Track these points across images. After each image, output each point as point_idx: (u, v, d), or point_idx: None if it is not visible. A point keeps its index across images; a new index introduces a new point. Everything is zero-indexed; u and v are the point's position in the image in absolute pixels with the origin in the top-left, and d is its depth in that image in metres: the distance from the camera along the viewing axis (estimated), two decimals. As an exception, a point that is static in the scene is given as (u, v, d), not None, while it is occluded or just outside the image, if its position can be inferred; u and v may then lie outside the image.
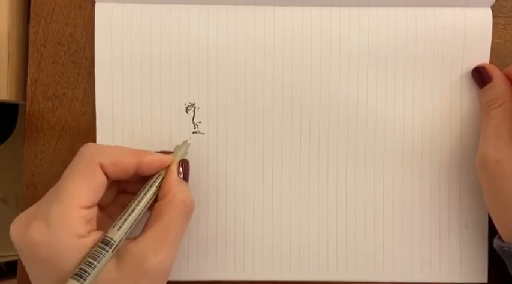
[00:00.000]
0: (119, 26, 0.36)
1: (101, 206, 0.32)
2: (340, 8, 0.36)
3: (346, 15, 0.36)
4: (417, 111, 0.37)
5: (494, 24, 0.36)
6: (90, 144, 0.31)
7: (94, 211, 0.29)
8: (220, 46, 0.36)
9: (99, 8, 0.36)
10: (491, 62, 0.36)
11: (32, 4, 0.37)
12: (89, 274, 0.27)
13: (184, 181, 0.32)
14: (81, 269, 0.27)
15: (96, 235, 0.28)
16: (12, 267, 0.56)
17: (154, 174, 0.31)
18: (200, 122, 0.36)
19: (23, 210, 0.37)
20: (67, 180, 0.29)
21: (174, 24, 0.36)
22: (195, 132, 0.36)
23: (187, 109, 0.36)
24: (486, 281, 0.37)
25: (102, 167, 0.29)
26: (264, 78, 0.36)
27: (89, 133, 0.37)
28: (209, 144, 0.36)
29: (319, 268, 0.37)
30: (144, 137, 0.36)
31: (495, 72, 0.35)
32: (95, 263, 0.27)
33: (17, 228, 0.28)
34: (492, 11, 0.36)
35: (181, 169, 0.32)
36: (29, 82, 0.37)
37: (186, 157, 0.33)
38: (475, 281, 0.37)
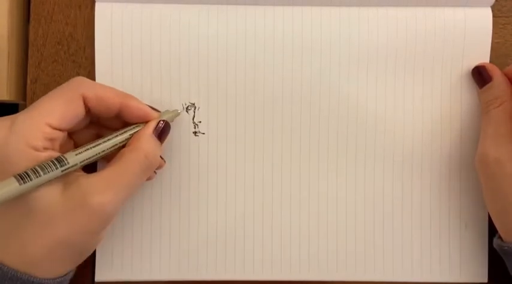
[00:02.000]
0: (119, 26, 0.36)
1: (77, 143, 0.33)
2: (340, 8, 0.36)
3: (346, 15, 0.36)
4: (417, 110, 0.37)
5: (494, 24, 0.36)
6: (81, 77, 0.32)
7: (59, 134, 0.29)
8: (220, 46, 0.36)
9: (99, 8, 0.36)
10: (491, 61, 0.36)
11: (32, 4, 0.37)
12: (31, 180, 0.27)
13: (156, 139, 0.32)
14: (25, 172, 0.27)
15: (53, 153, 0.29)
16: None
17: (134, 124, 0.32)
18: (200, 122, 0.36)
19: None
20: (45, 98, 0.30)
21: (174, 24, 0.36)
22: (195, 132, 0.36)
23: (187, 109, 0.36)
24: (486, 281, 0.37)
25: (84, 99, 0.30)
26: (264, 78, 0.36)
27: (89, 133, 0.37)
28: (209, 144, 0.36)
29: (319, 268, 0.37)
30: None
31: (495, 72, 0.35)
32: (41, 173, 0.27)
33: None
34: (492, 10, 0.36)
35: (160, 127, 0.32)
36: (29, 82, 0.37)
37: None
38: (475, 281, 0.37)
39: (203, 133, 0.36)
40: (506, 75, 0.35)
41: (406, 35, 0.36)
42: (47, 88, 0.37)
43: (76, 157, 0.29)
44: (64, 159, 0.28)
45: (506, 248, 0.33)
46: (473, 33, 0.36)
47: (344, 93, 0.36)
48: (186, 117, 0.36)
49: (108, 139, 0.31)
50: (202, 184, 0.36)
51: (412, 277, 0.37)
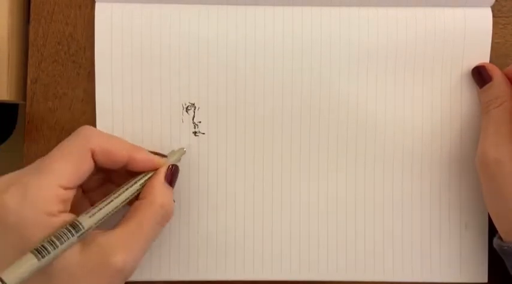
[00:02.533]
0: (119, 26, 0.36)
1: (85, 190, 0.32)
2: (340, 8, 0.36)
3: (346, 15, 0.36)
4: (417, 110, 0.37)
5: (494, 24, 0.36)
6: (87, 127, 0.31)
7: (72, 193, 0.29)
8: (220, 46, 0.36)
9: (99, 8, 0.36)
10: (491, 61, 0.36)
11: (32, 4, 0.37)
12: (49, 253, 0.26)
13: (168, 186, 0.32)
14: (42, 246, 0.26)
15: (68, 217, 0.28)
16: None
17: (143, 172, 0.31)
18: (200, 122, 0.36)
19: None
20: (55, 156, 0.29)
21: (174, 24, 0.36)
22: (195, 132, 0.36)
23: (187, 109, 0.36)
24: (486, 281, 0.37)
25: (93, 153, 0.30)
26: (264, 78, 0.36)
27: (89, 133, 0.37)
28: (209, 144, 0.36)
29: (319, 268, 0.37)
30: (144, 137, 0.36)
31: (495, 72, 0.35)
32: (58, 243, 0.26)
33: None
34: (492, 11, 0.36)
35: (169, 174, 0.32)
36: (29, 82, 0.37)
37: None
38: (475, 281, 0.37)
39: (203, 133, 0.36)
40: (506, 75, 0.35)
41: (406, 35, 0.36)
42: (47, 88, 0.37)
43: (90, 220, 0.28)
44: (79, 224, 0.28)
45: (506, 248, 0.33)
46: (473, 33, 0.36)
47: (344, 93, 0.36)
48: (186, 117, 0.36)
49: (120, 195, 0.30)
50: (202, 184, 0.36)
51: (412, 277, 0.37)
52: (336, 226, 0.37)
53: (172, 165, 0.32)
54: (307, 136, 0.37)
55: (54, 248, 0.26)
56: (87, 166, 0.29)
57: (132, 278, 0.36)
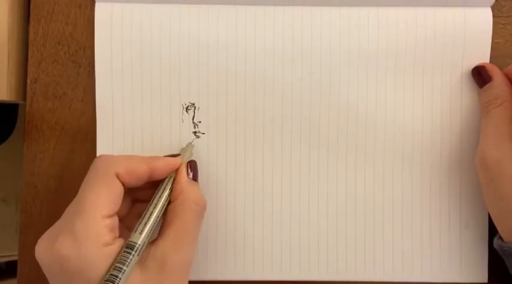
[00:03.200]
0: (118, 26, 0.36)
1: (119, 217, 0.33)
2: (340, 8, 0.36)
3: (346, 15, 0.36)
4: (417, 110, 0.37)
5: (494, 24, 0.36)
6: (103, 156, 0.32)
7: (116, 219, 0.30)
8: (220, 46, 0.36)
9: (99, 7, 0.36)
10: (491, 61, 0.36)
11: (32, 4, 0.37)
12: (120, 279, 0.27)
13: (194, 182, 0.33)
14: (111, 275, 0.27)
15: (120, 242, 0.29)
16: (12, 267, 0.56)
17: (165, 178, 0.32)
18: (200, 122, 0.36)
19: (23, 210, 0.37)
20: (86, 192, 0.30)
21: (174, 24, 0.36)
22: (195, 132, 0.36)
23: (187, 109, 0.36)
24: (486, 281, 0.37)
25: (117, 176, 0.30)
26: (264, 78, 0.36)
27: (88, 133, 0.37)
28: (209, 144, 0.36)
29: (319, 268, 0.37)
30: (144, 137, 0.36)
31: (495, 72, 0.35)
32: (124, 267, 0.28)
33: (43, 246, 0.29)
34: (492, 10, 0.36)
35: (190, 170, 0.33)
36: (29, 82, 0.37)
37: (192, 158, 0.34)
38: (475, 281, 0.37)
39: (203, 133, 0.36)
40: (506, 75, 0.35)
41: (406, 35, 0.36)
42: (47, 88, 0.37)
43: (142, 236, 0.29)
44: (134, 244, 0.29)
45: (506, 248, 0.33)
46: (473, 33, 0.36)
47: (344, 92, 0.36)
48: (186, 117, 0.36)
49: (156, 205, 0.31)
50: (202, 184, 0.36)
51: (412, 277, 0.37)
52: (336, 227, 0.37)
53: (190, 161, 0.34)
54: (307, 136, 0.37)
55: (122, 273, 0.28)
56: (118, 189, 0.30)
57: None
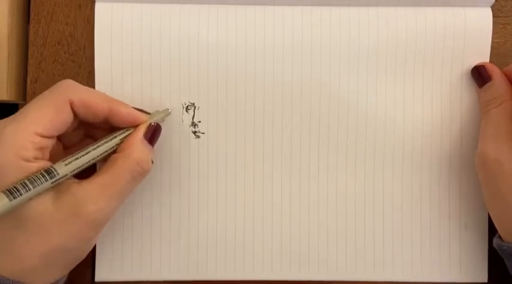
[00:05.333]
0: (118, 26, 0.36)
1: (66, 145, 0.33)
2: (340, 8, 0.36)
3: (346, 14, 0.36)
4: (417, 110, 0.37)
5: (494, 23, 0.36)
6: (68, 80, 0.31)
7: (49, 142, 0.29)
8: (220, 45, 0.36)
9: (99, 7, 0.36)
10: (491, 61, 0.36)
11: (32, 4, 0.37)
12: (21, 194, 0.26)
13: (148, 144, 0.32)
14: (14, 187, 0.27)
15: (44, 164, 0.28)
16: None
17: (124, 128, 0.31)
18: (200, 122, 0.36)
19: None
20: (32, 105, 0.29)
21: (174, 23, 0.36)
22: (195, 132, 0.36)
23: (187, 109, 0.36)
24: (486, 280, 0.37)
25: (72, 104, 0.30)
26: (264, 78, 0.36)
27: (88, 133, 0.37)
28: (209, 144, 0.36)
29: (319, 268, 0.37)
30: (144, 137, 0.36)
31: (494, 71, 0.35)
32: (30, 186, 0.27)
33: None
34: (492, 10, 0.36)
35: (150, 131, 0.32)
36: (29, 82, 0.37)
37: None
38: (475, 281, 0.37)
39: (203, 133, 0.36)
40: (505, 74, 0.35)
41: (406, 35, 0.36)
42: (46, 88, 0.36)
43: (66, 168, 0.29)
44: (54, 171, 0.28)
45: (506, 248, 0.33)
46: (473, 33, 0.36)
47: (344, 93, 0.36)
48: (186, 117, 0.36)
49: (98, 146, 0.30)
50: (202, 184, 0.36)
51: (412, 277, 0.37)
52: (335, 226, 0.37)
53: (155, 123, 0.32)
54: (307, 136, 0.37)
55: (27, 191, 0.27)
56: (65, 116, 0.29)
57: (132, 278, 0.36)
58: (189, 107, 0.36)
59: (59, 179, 0.28)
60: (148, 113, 0.33)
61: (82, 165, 0.30)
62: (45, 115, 0.29)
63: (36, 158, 0.28)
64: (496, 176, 0.32)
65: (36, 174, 0.27)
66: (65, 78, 0.36)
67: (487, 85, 0.35)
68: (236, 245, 0.37)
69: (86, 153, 0.30)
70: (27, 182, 0.27)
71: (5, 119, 0.29)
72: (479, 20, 0.36)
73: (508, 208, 0.32)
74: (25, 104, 0.37)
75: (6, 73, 0.36)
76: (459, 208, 0.37)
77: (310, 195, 0.37)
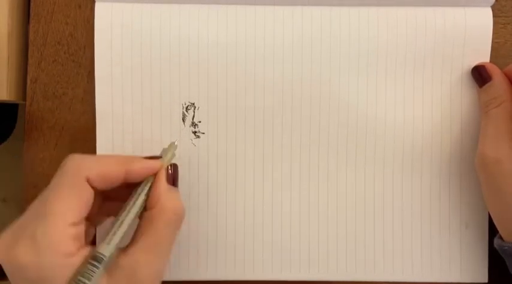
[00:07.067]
0: (118, 26, 0.36)
1: (87, 216, 0.31)
2: (340, 8, 0.36)
3: (346, 14, 0.36)
4: (417, 110, 0.37)
5: (495, 23, 0.36)
6: (73, 156, 0.29)
7: (82, 227, 0.28)
8: (220, 45, 0.36)
9: (99, 7, 0.36)
10: (491, 61, 0.36)
11: (32, 4, 0.37)
12: None
13: (173, 188, 0.31)
14: None
15: (85, 251, 0.27)
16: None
17: (142, 181, 0.30)
18: (200, 122, 0.36)
19: (23, 209, 0.37)
20: (52, 196, 0.28)
21: (174, 23, 0.36)
22: (195, 132, 0.36)
23: (187, 109, 0.36)
24: (486, 280, 0.37)
25: (88, 181, 0.28)
26: (264, 78, 0.36)
27: (88, 133, 0.37)
28: (209, 144, 0.36)
29: (319, 268, 0.37)
30: (144, 136, 0.36)
31: (495, 71, 0.35)
32: (88, 282, 0.26)
33: (3, 248, 0.27)
34: (492, 10, 0.36)
35: (170, 175, 0.31)
36: (28, 82, 0.37)
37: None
38: (475, 281, 0.37)
39: (203, 133, 0.36)
40: (505, 74, 0.35)
41: (406, 35, 0.36)
42: (47, 88, 0.37)
43: (109, 247, 0.28)
44: (101, 255, 0.27)
45: (506, 248, 0.33)
46: (473, 33, 0.36)
47: (344, 93, 0.36)
48: (186, 117, 0.36)
49: (128, 212, 0.29)
50: (202, 184, 0.36)
51: (412, 277, 0.37)
52: (336, 227, 0.37)
53: (171, 165, 0.31)
54: (307, 136, 0.36)
55: None
56: (88, 195, 0.28)
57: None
58: (189, 107, 0.36)
59: (108, 261, 0.27)
60: (159, 156, 0.31)
61: (122, 237, 0.28)
62: (70, 204, 0.27)
63: (78, 248, 0.27)
64: (496, 176, 0.32)
65: (87, 266, 0.27)
66: (64, 78, 0.37)
67: (487, 85, 0.35)
68: (236, 245, 0.36)
69: (121, 224, 0.28)
70: (83, 279, 0.26)
71: (25, 219, 0.28)
72: (480, 20, 0.36)
73: (509, 208, 0.32)
74: (25, 104, 0.37)
75: (6, 73, 0.36)
76: (459, 208, 0.37)
77: (310, 195, 0.37)
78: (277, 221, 0.37)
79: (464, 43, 0.36)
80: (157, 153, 0.33)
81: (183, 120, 0.36)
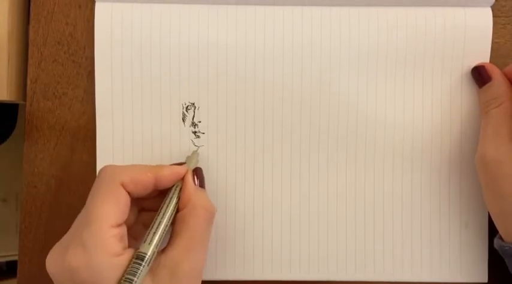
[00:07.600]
0: (118, 26, 0.36)
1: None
2: (340, 8, 0.36)
3: (346, 15, 0.36)
4: (417, 110, 0.37)
5: (494, 23, 0.36)
6: (108, 166, 0.32)
7: (124, 228, 0.30)
8: (220, 45, 0.36)
9: (99, 7, 0.36)
10: (491, 61, 0.36)
11: (32, 4, 0.37)
12: None
13: (201, 189, 0.33)
14: None
15: (130, 252, 0.29)
16: (12, 267, 0.56)
17: (172, 187, 0.32)
18: (200, 122, 0.36)
19: (23, 210, 0.37)
20: (93, 203, 0.30)
21: (174, 23, 0.36)
22: (195, 132, 0.36)
23: (187, 109, 0.36)
24: (486, 281, 0.37)
25: (123, 186, 0.30)
26: (264, 78, 0.36)
27: (88, 133, 0.37)
28: (209, 144, 0.36)
29: (319, 268, 0.37)
30: (144, 137, 0.36)
31: (494, 72, 0.35)
32: (135, 279, 0.28)
33: (54, 258, 0.29)
34: (492, 10, 0.36)
35: (196, 177, 0.33)
36: (29, 82, 0.37)
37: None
38: (475, 281, 0.37)
39: (203, 133, 0.36)
40: (505, 75, 0.35)
41: (406, 35, 0.36)
42: (47, 88, 0.37)
43: (151, 246, 0.29)
44: (144, 254, 0.29)
45: (507, 248, 0.33)
46: (473, 33, 0.36)
47: (344, 93, 0.36)
48: (186, 117, 0.36)
49: (164, 214, 0.31)
50: (202, 184, 0.36)
51: (412, 277, 0.37)
52: (336, 227, 0.37)
53: (196, 168, 0.34)
54: (307, 136, 0.37)
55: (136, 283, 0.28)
56: (125, 198, 0.30)
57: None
58: (189, 107, 0.36)
59: (151, 259, 0.29)
60: (183, 162, 0.34)
61: (161, 238, 0.30)
62: (109, 207, 0.29)
63: (123, 248, 0.29)
64: (496, 176, 0.32)
65: (132, 265, 0.28)
66: (64, 78, 0.37)
67: (487, 85, 0.35)
68: (236, 245, 0.37)
69: (159, 225, 0.30)
70: (130, 276, 0.28)
71: (72, 230, 0.30)
72: (480, 20, 0.36)
73: (508, 208, 0.32)
74: (25, 104, 0.37)
75: (6, 73, 0.36)
76: (459, 208, 0.37)
77: (310, 195, 0.37)
78: (277, 221, 0.37)
79: (464, 43, 0.36)
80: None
81: (183, 120, 0.36)
